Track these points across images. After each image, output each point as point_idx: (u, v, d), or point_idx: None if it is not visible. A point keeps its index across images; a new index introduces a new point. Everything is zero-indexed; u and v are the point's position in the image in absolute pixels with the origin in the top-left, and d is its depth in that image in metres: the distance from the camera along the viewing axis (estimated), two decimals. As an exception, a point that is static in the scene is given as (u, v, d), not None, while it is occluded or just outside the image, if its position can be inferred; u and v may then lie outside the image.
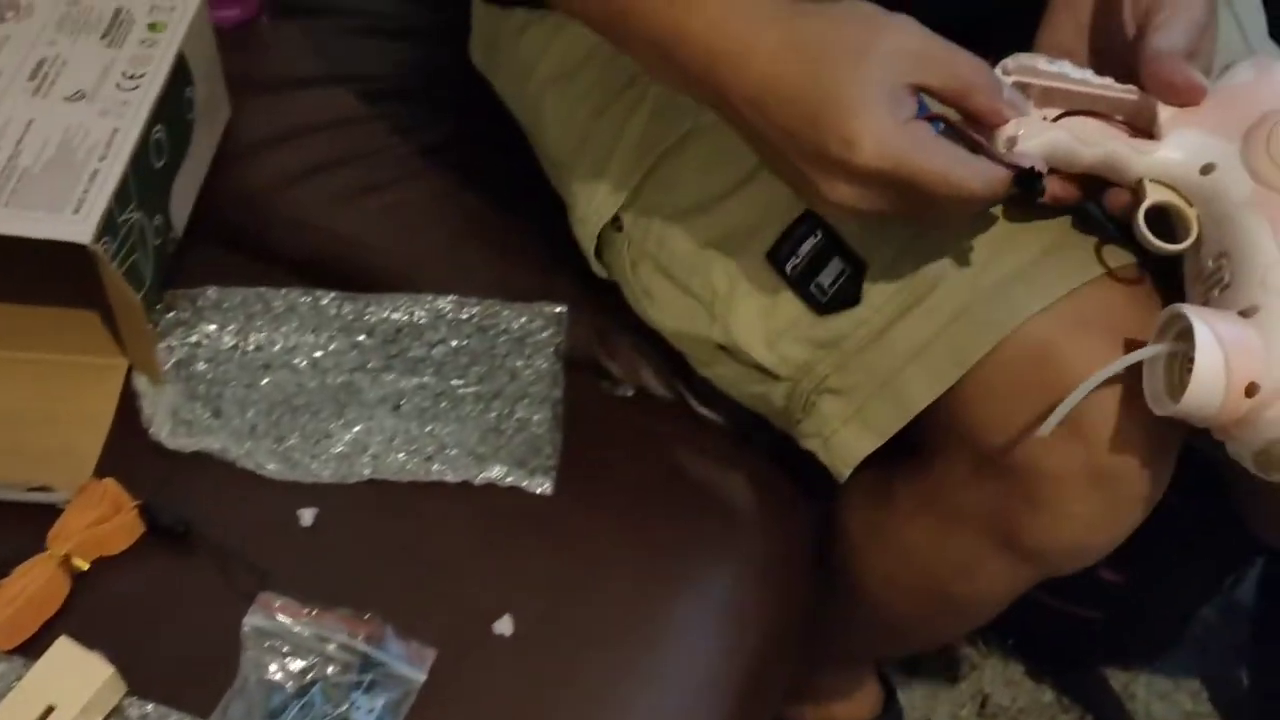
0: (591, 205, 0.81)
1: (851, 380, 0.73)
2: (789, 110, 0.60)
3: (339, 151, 0.94)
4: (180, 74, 0.82)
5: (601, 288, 0.86)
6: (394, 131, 0.96)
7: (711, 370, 0.80)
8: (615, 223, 0.81)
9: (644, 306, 0.81)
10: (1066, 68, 0.65)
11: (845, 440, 0.74)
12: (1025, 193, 0.62)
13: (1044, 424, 0.65)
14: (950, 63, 0.62)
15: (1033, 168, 0.62)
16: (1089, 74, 0.66)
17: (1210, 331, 0.59)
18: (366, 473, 0.75)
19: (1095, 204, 0.69)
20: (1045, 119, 0.65)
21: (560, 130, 0.85)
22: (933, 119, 0.61)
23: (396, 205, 0.92)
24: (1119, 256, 0.70)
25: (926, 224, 0.68)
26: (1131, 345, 0.66)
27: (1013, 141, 0.63)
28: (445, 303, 0.84)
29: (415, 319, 0.83)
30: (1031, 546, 0.73)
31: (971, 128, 0.63)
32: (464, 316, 0.83)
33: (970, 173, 0.61)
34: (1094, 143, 0.64)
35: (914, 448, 0.76)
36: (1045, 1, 0.72)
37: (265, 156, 0.93)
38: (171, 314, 0.80)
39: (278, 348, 0.78)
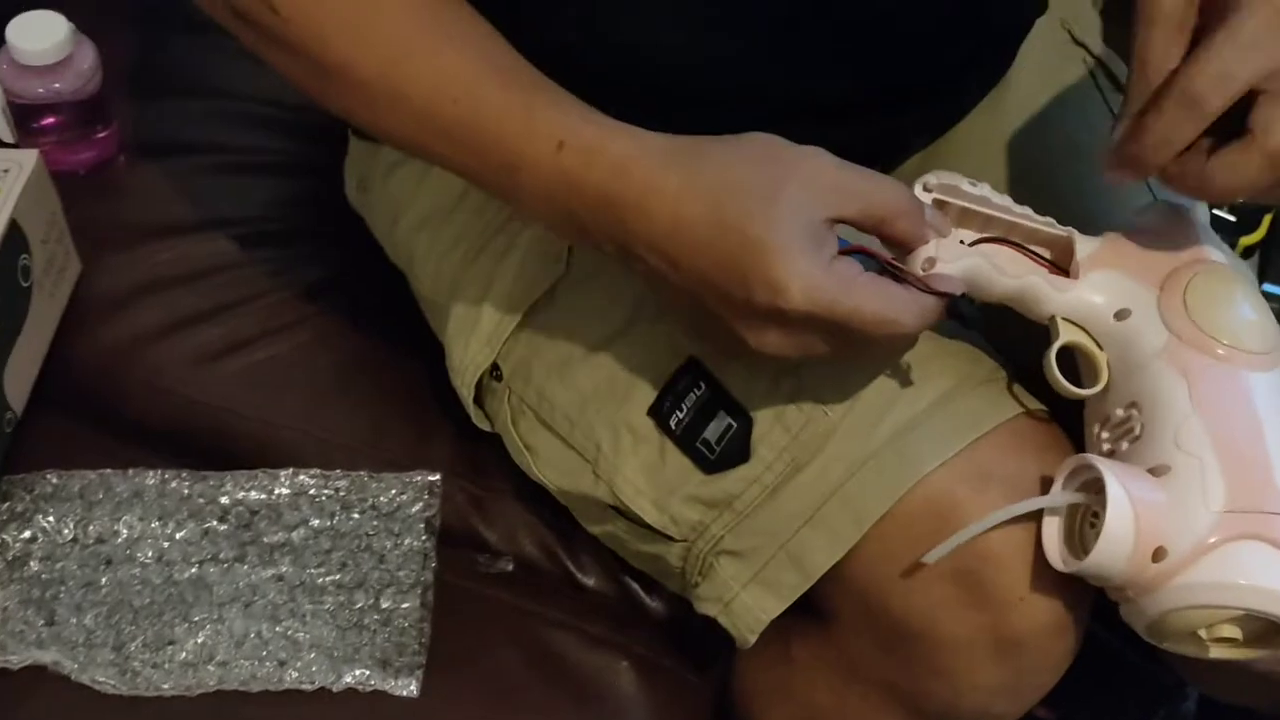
0: (466, 355, 0.76)
1: (748, 542, 0.67)
2: (704, 258, 0.55)
3: (201, 305, 0.88)
4: (12, 242, 0.75)
5: (483, 437, 0.80)
6: (263, 279, 0.90)
7: (601, 529, 0.75)
8: (494, 372, 0.76)
9: (527, 461, 0.75)
10: (988, 191, 0.61)
11: (746, 605, 0.68)
12: (954, 318, 0.59)
13: (928, 554, 0.61)
14: (867, 191, 0.57)
15: (963, 294, 0.58)
16: (1009, 201, 0.62)
17: (1123, 489, 0.55)
18: (213, 684, 0.68)
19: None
20: (962, 242, 0.61)
21: (432, 276, 0.79)
22: (854, 252, 0.57)
23: (262, 364, 0.86)
24: (1020, 398, 0.65)
25: (857, 361, 0.63)
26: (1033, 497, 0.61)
27: (931, 263, 0.59)
28: (308, 478, 0.78)
29: (274, 498, 0.76)
30: (936, 713, 0.68)
31: (891, 251, 0.59)
32: (329, 493, 0.77)
33: (903, 308, 0.56)
34: (1011, 273, 0.60)
35: (811, 602, 0.70)
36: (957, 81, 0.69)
37: (119, 315, 0.87)
38: (5, 505, 0.73)
39: (121, 539, 0.72)
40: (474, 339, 0.75)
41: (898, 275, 0.57)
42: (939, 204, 0.61)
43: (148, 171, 0.96)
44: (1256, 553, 0.54)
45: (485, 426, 0.79)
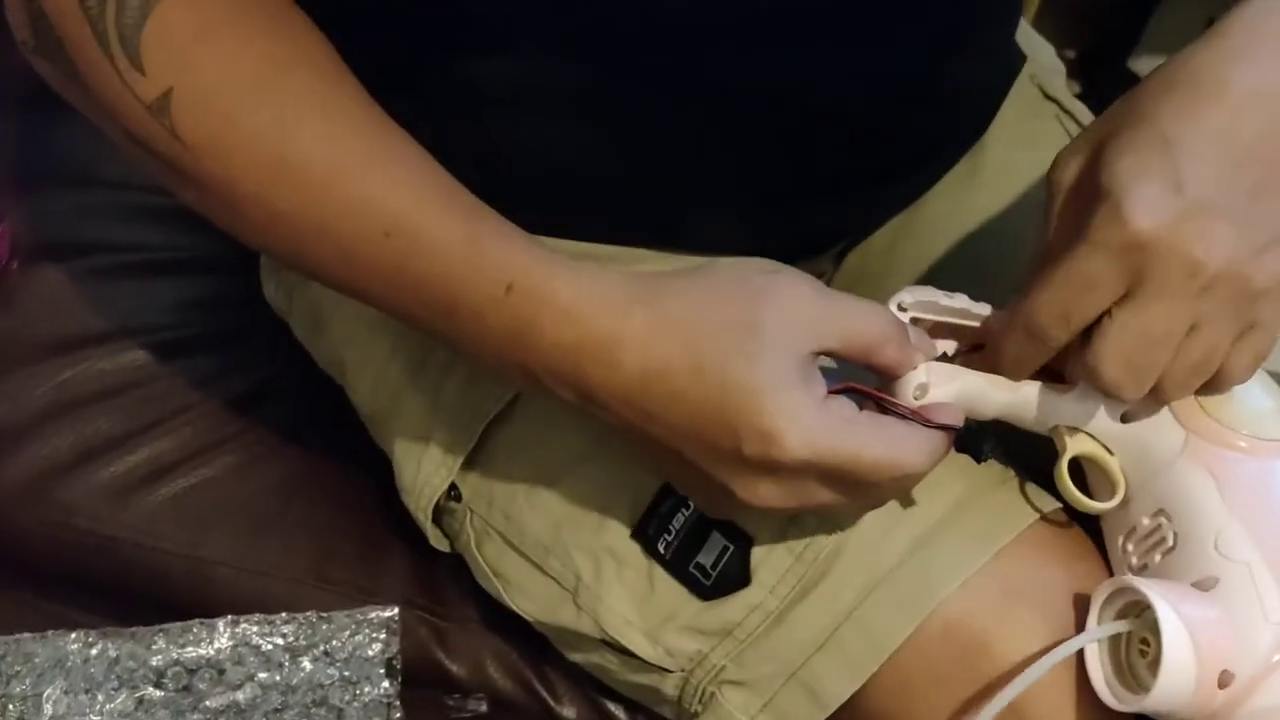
0: (419, 477, 0.69)
1: (754, 670, 0.61)
2: (681, 407, 0.50)
3: (115, 429, 0.80)
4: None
5: (440, 556, 0.73)
6: (184, 394, 0.83)
7: (585, 659, 0.68)
8: (452, 493, 0.69)
9: (497, 589, 0.68)
10: (965, 301, 0.56)
11: (757, 736, 0.62)
12: (968, 454, 0.54)
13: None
14: (850, 319, 0.52)
15: (970, 425, 0.53)
16: (988, 308, 0.57)
17: (1174, 611, 0.49)
18: None
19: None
20: (946, 354, 0.56)
21: (370, 389, 0.72)
22: (842, 390, 0.52)
23: (188, 493, 0.79)
24: (1036, 500, 0.60)
25: (862, 507, 0.57)
26: (1065, 616, 0.57)
27: (923, 389, 0.53)
28: (250, 625, 0.70)
29: (214, 652, 0.69)
30: None
31: (876, 382, 0.54)
32: (275, 641, 0.70)
33: (909, 449, 0.51)
34: (1006, 387, 0.55)
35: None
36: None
37: (22, 446, 0.79)
38: (-96, 685, 0.64)
39: (47, 718, 0.63)
40: (426, 460, 0.68)
41: (892, 411, 0.52)
42: (916, 321, 0.56)
43: (45, 277, 0.88)
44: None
45: (445, 548, 0.72)
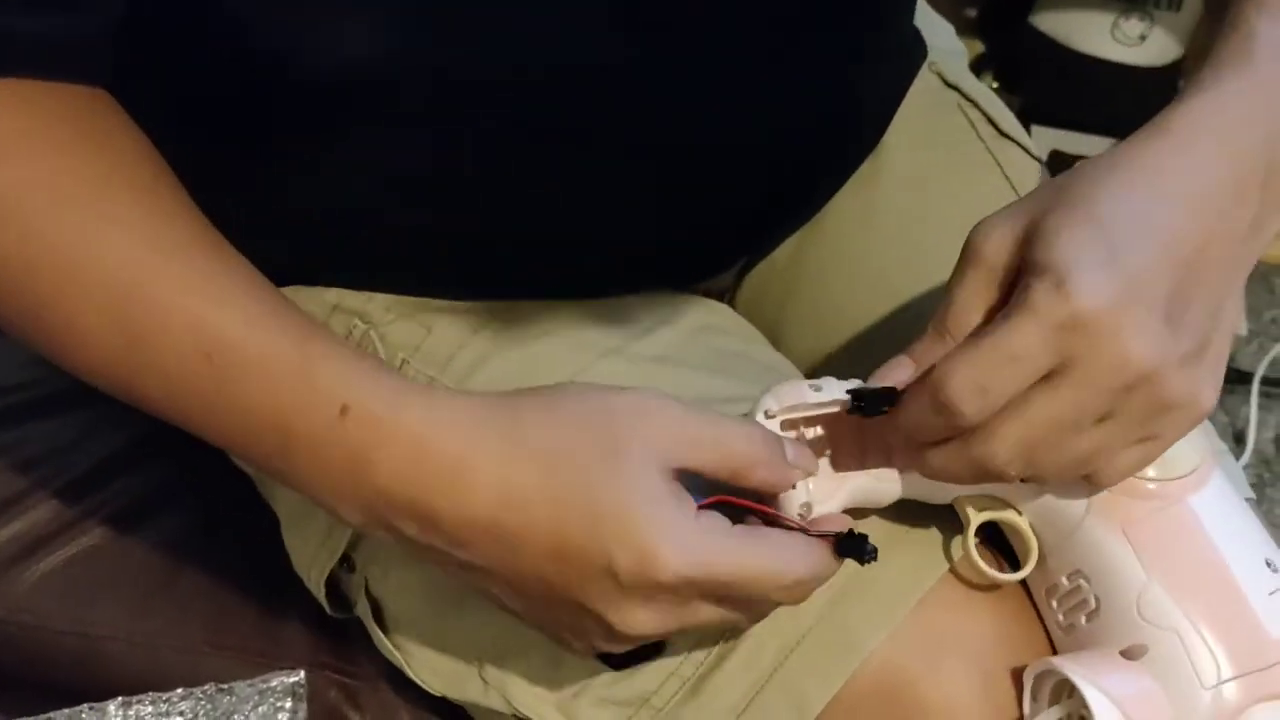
0: (306, 551, 0.65)
1: (675, 740, 0.58)
2: (545, 536, 0.46)
3: (-18, 501, 0.75)
4: None
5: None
6: (52, 458, 0.78)
7: (501, 729, 0.64)
8: (345, 563, 0.64)
9: (400, 663, 0.64)
10: (832, 387, 0.51)
11: (683, 805, 0.59)
12: (852, 559, 0.49)
13: None
14: (716, 440, 0.48)
15: (851, 530, 0.49)
16: (855, 382, 0.52)
17: (1104, 695, 0.47)
18: None
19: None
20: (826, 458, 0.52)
21: (244, 456, 0.68)
22: (715, 504, 0.48)
23: (67, 565, 0.74)
24: (958, 541, 0.56)
25: (754, 619, 0.52)
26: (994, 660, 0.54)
27: (808, 508, 0.50)
28: (144, 705, 0.65)
29: (105, 740, 0.64)
30: None
31: (752, 498, 0.50)
32: (172, 720, 0.65)
33: (796, 556, 0.48)
34: (893, 477, 0.52)
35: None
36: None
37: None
38: None
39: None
40: (311, 533, 0.64)
41: (775, 522, 0.49)
42: (788, 425, 0.51)
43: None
44: (1272, 718, 0.47)
45: (344, 615, 0.68)
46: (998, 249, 0.47)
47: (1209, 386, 0.47)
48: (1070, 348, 0.44)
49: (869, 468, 0.51)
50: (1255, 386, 1.31)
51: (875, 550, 0.48)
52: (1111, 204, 0.46)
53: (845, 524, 0.49)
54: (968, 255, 0.48)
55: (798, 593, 0.49)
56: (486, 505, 0.46)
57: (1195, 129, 0.48)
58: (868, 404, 0.49)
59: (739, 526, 0.48)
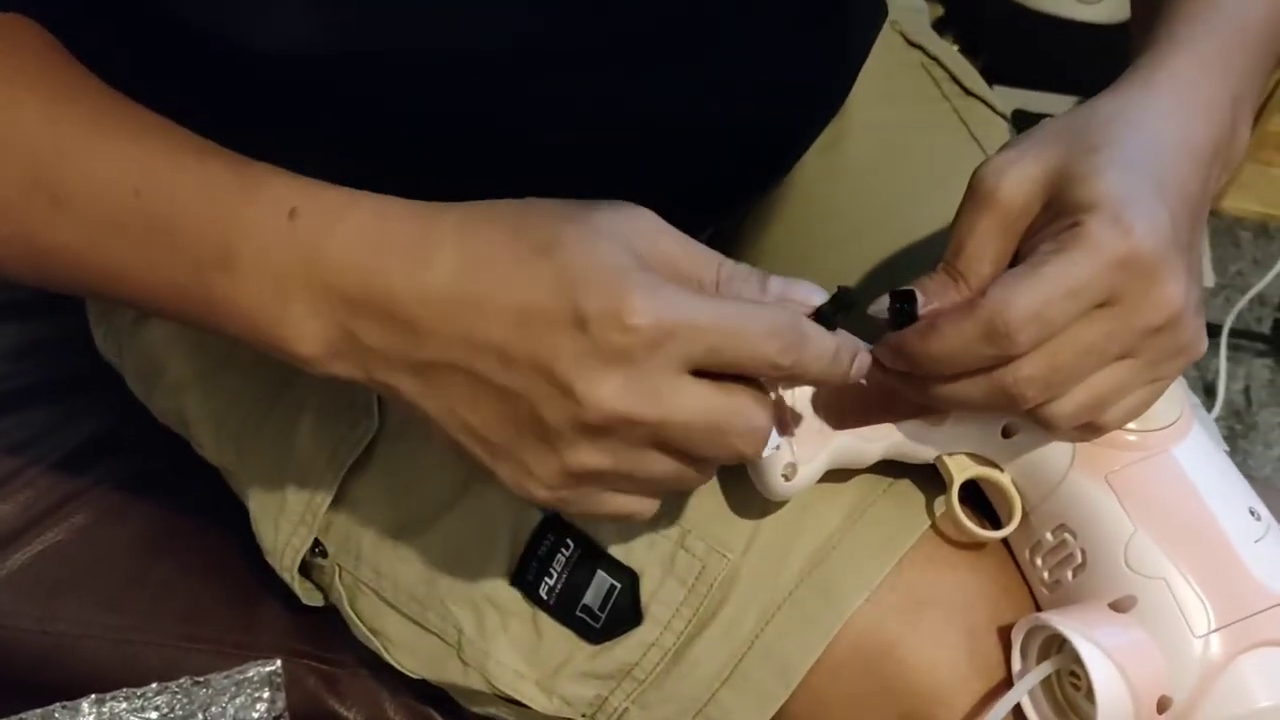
0: (279, 538, 0.64)
1: (658, 712, 0.57)
2: (506, 297, 0.42)
3: (-55, 501, 0.73)
4: None
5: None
6: (19, 453, 0.76)
7: (484, 710, 0.63)
8: (317, 549, 0.63)
9: (377, 648, 0.64)
10: None
11: (668, 774, 0.58)
12: (841, 312, 0.45)
13: None
14: (689, 258, 0.44)
15: (842, 288, 0.45)
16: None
17: (1097, 648, 0.46)
18: None
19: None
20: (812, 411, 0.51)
21: (214, 443, 0.67)
22: None
23: (36, 562, 0.72)
24: (933, 499, 0.56)
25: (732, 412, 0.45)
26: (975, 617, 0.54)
27: (792, 469, 0.49)
28: (118, 702, 0.65)
29: (81, 738, 0.63)
30: None
31: None
32: (150, 716, 0.65)
33: (773, 312, 0.43)
34: (878, 436, 0.51)
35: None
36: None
37: None
38: None
39: None
40: (284, 519, 0.63)
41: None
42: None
43: None
44: (1264, 662, 0.47)
45: (318, 602, 0.67)
46: (1015, 191, 0.46)
47: (1204, 332, 0.48)
48: (1121, 284, 0.44)
49: (849, 427, 0.51)
50: (1224, 339, 1.32)
51: (853, 294, 0.44)
52: (1132, 151, 0.46)
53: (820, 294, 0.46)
54: (980, 198, 0.47)
55: (783, 346, 0.42)
56: (445, 275, 0.42)
57: (1178, 84, 0.49)
58: (904, 308, 0.47)
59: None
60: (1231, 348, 1.34)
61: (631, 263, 0.42)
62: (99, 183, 0.45)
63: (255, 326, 0.44)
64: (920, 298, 0.47)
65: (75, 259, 0.46)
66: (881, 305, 0.47)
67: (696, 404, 0.42)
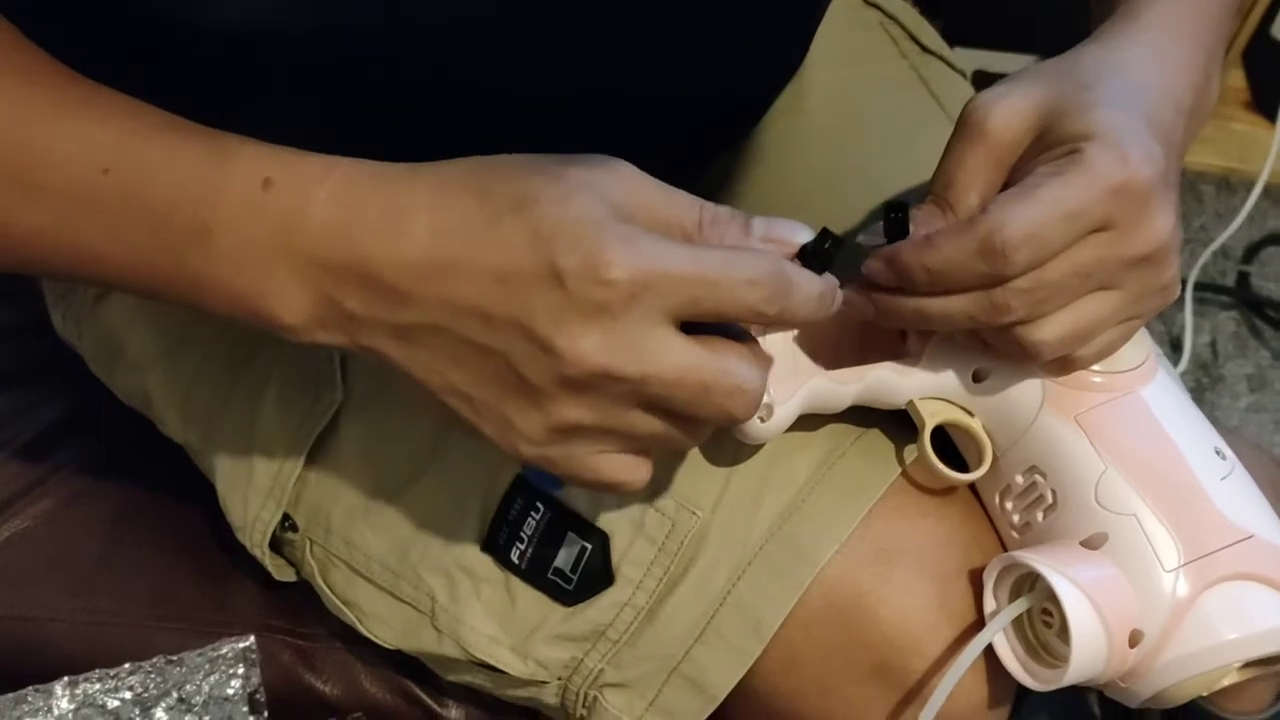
0: (248, 513, 0.63)
1: (633, 671, 0.57)
2: (483, 257, 0.41)
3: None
4: None
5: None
6: (-18, 437, 0.75)
7: (459, 678, 0.63)
8: (287, 523, 0.63)
9: (351, 620, 0.63)
10: None
11: (645, 735, 0.59)
12: (826, 252, 0.44)
13: None
14: (668, 204, 0.43)
15: (825, 231, 0.44)
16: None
17: (1071, 584, 0.46)
18: None
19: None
20: (788, 352, 0.51)
21: (179, 421, 0.66)
22: None
23: (5, 547, 0.71)
24: (902, 448, 0.56)
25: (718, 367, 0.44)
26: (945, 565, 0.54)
27: (769, 411, 0.49)
28: (91, 684, 0.64)
29: (54, 717, 0.62)
30: None
31: None
32: (124, 696, 0.64)
33: (754, 256, 0.42)
34: (851, 379, 0.51)
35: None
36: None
37: None
38: None
39: None
40: (252, 493, 0.62)
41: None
42: None
43: None
44: (1231, 596, 0.48)
45: (290, 577, 0.66)
46: (1005, 124, 0.47)
47: (1179, 278, 0.48)
48: (1116, 210, 0.45)
49: (825, 367, 0.51)
50: (1189, 293, 1.32)
51: (835, 237, 0.44)
52: (1121, 90, 0.47)
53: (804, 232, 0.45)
54: (970, 131, 0.47)
55: (767, 293, 0.42)
56: (421, 241, 0.42)
57: (1155, 38, 0.50)
58: (898, 218, 0.47)
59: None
60: (1197, 301, 1.35)
61: (607, 214, 0.41)
62: (68, 164, 0.44)
63: (236, 298, 0.44)
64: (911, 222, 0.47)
65: (50, 242, 0.46)
66: (875, 231, 0.48)
67: (680, 360, 0.42)
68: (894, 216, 0.47)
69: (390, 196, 0.42)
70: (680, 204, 0.43)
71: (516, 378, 0.42)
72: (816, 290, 0.43)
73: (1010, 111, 0.47)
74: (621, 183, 0.42)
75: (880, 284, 0.48)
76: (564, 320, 0.41)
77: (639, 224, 0.42)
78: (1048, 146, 0.46)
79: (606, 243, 0.40)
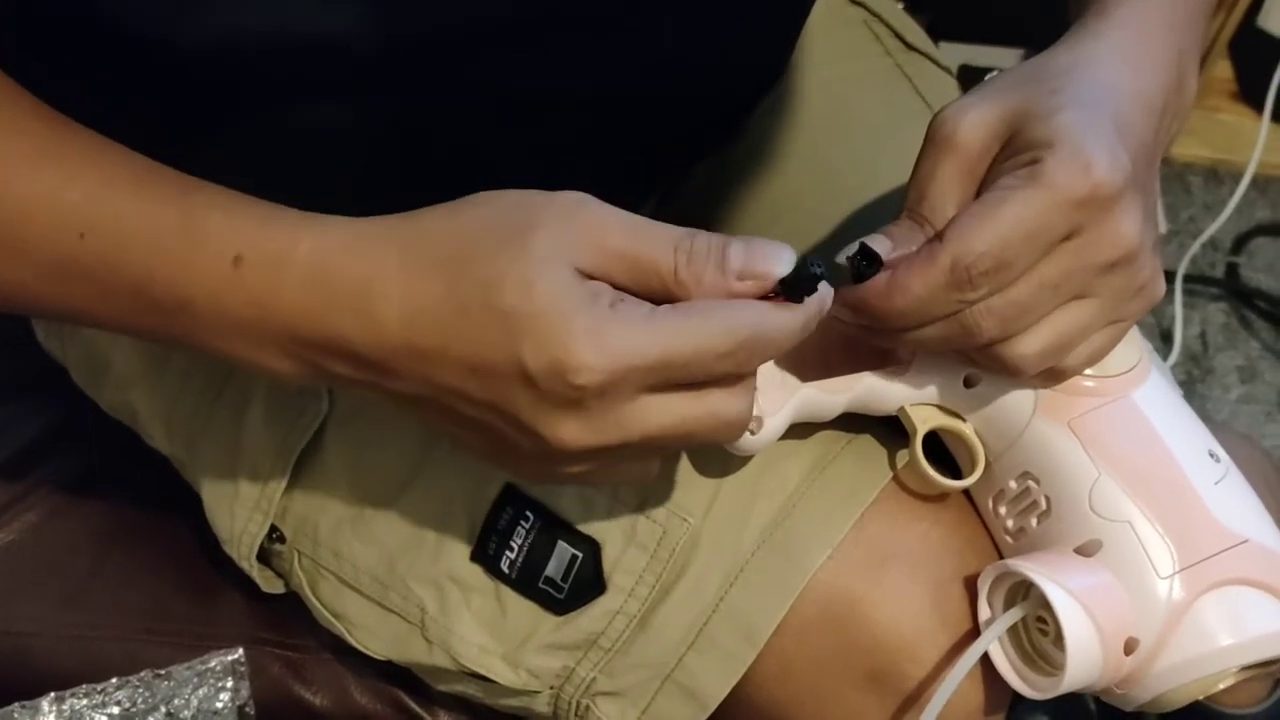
0: (234, 525, 0.63)
1: (626, 679, 0.57)
2: (456, 349, 0.41)
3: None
4: None
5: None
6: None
7: (450, 688, 0.63)
8: (274, 535, 0.63)
9: (340, 631, 0.63)
10: None
11: (638, 744, 0.58)
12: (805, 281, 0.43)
13: None
14: (635, 251, 0.42)
15: (806, 260, 0.42)
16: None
17: (1065, 592, 0.46)
18: None
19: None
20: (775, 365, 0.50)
21: (164, 434, 0.65)
22: None
23: (-7, 559, 0.71)
24: (894, 452, 0.56)
25: (709, 430, 0.44)
26: (938, 569, 0.53)
27: (758, 423, 0.48)
28: (78, 699, 0.64)
29: (42, 737, 0.62)
30: None
31: None
32: (111, 712, 0.64)
33: (726, 317, 0.41)
34: (842, 389, 0.51)
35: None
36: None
37: None
38: None
39: None
40: (239, 506, 0.62)
41: None
42: None
43: None
44: (1226, 602, 0.47)
45: (278, 589, 0.66)
46: (973, 135, 0.46)
47: (1162, 275, 0.48)
48: (1078, 220, 0.44)
49: (811, 380, 0.50)
50: (1179, 285, 1.32)
51: (815, 267, 0.42)
52: (1090, 94, 0.46)
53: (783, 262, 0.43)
54: (939, 143, 0.47)
55: (742, 357, 0.42)
56: (395, 328, 0.42)
57: (1126, 37, 0.49)
58: (865, 264, 0.46)
59: (662, 306, 0.42)
60: (1187, 293, 1.35)
61: (574, 298, 0.41)
62: (45, 226, 0.44)
63: (230, 357, 0.45)
64: (887, 243, 0.46)
65: (36, 297, 0.46)
66: (851, 251, 0.47)
67: (665, 418, 0.42)
68: (859, 265, 0.46)
69: (360, 277, 0.43)
70: (654, 246, 0.42)
71: (510, 443, 0.44)
72: (797, 325, 0.43)
73: (978, 121, 0.46)
74: (590, 237, 0.42)
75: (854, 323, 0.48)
76: (541, 410, 0.42)
77: (613, 278, 0.42)
78: (1015, 152, 0.46)
79: (572, 345, 0.40)
